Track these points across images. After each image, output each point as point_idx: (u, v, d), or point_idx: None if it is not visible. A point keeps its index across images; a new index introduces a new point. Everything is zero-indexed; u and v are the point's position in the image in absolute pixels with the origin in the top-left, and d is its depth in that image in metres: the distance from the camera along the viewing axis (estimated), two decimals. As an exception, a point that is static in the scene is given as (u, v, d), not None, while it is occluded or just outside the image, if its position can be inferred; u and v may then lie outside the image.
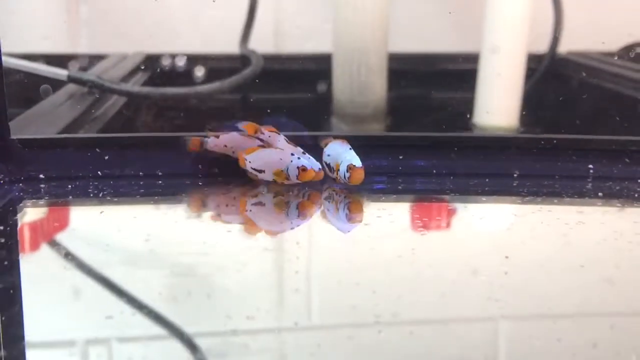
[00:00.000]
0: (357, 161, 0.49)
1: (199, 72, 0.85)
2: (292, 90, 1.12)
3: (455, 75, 1.05)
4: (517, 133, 0.92)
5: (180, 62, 0.82)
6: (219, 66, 1.08)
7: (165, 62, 0.82)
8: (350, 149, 0.51)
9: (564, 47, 1.02)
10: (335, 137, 0.53)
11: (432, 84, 1.09)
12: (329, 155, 0.52)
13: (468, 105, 0.94)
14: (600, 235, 0.45)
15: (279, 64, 1.13)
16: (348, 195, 0.50)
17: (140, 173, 0.53)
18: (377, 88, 1.00)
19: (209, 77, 0.96)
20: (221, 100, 1.01)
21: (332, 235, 0.45)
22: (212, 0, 1.07)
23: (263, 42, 1.18)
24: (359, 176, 0.49)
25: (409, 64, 1.11)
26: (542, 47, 1.01)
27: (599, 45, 1.06)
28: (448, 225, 0.48)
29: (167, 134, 0.58)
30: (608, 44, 1.05)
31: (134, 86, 0.93)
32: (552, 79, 1.00)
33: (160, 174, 0.53)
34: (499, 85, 0.91)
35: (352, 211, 0.49)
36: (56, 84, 0.85)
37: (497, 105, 0.92)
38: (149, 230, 0.44)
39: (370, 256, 0.42)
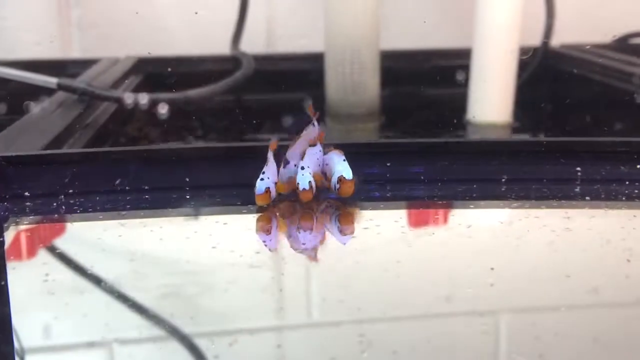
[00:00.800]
0: (347, 173, 0.49)
1: (162, 109, 0.84)
2: (284, 91, 1.11)
3: (449, 71, 1.05)
4: (510, 128, 0.91)
5: (143, 100, 0.81)
6: (211, 68, 1.08)
7: (129, 101, 0.81)
8: (344, 160, 0.50)
9: (556, 40, 1.02)
10: (335, 147, 0.52)
11: (426, 81, 1.08)
12: (327, 165, 0.51)
13: (462, 102, 0.94)
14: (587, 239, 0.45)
15: (271, 65, 1.13)
16: (339, 207, 0.50)
17: (127, 188, 0.53)
18: (370, 86, 0.99)
19: (202, 79, 0.95)
20: (213, 103, 1.01)
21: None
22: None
23: (255, 42, 1.18)
24: (348, 189, 0.49)
25: (402, 62, 1.10)
26: (535, 40, 1.00)
27: (593, 37, 1.05)
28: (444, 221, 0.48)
29: (153, 146, 0.57)
30: (602, 36, 1.04)
31: (125, 92, 0.93)
32: (546, 72, 0.99)
33: (146, 187, 0.53)
34: (492, 82, 0.91)
35: (343, 223, 0.48)
36: (46, 92, 0.85)
37: (490, 101, 0.92)
38: (134, 249, 0.44)
39: (364, 260, 0.42)
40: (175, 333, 0.34)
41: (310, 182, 0.48)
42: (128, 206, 0.50)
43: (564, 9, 1.00)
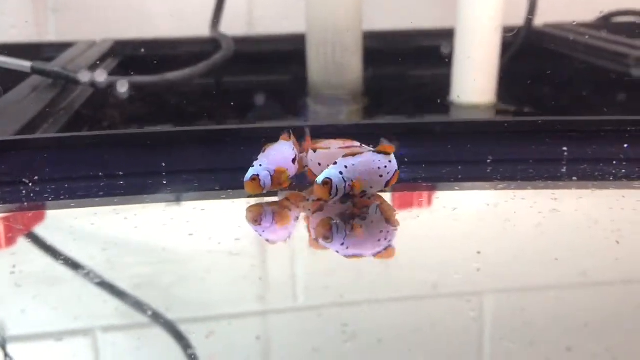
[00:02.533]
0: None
1: (122, 88, 0.81)
2: (266, 73, 1.10)
3: (431, 52, 1.03)
4: (494, 109, 0.90)
5: (100, 78, 0.79)
6: (190, 51, 1.06)
7: (84, 79, 0.78)
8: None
9: (540, 20, 1.01)
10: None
11: (409, 62, 1.07)
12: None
13: (445, 83, 0.93)
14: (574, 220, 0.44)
15: (252, 46, 1.11)
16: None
17: (100, 173, 0.51)
18: (352, 68, 0.97)
19: (181, 62, 0.93)
20: (193, 86, 0.99)
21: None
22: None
23: (236, 24, 1.16)
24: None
25: (385, 43, 1.09)
26: (518, 20, 0.99)
27: (576, 16, 1.04)
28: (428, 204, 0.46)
29: (127, 130, 0.55)
30: (586, 15, 1.03)
31: (101, 75, 0.90)
32: (529, 52, 0.98)
33: (121, 173, 0.51)
34: (475, 62, 0.89)
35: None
36: (20, 75, 0.82)
37: (474, 81, 0.90)
38: (107, 238, 0.42)
39: None
40: (156, 320, 0.33)
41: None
42: (101, 193, 0.49)
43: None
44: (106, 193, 0.49)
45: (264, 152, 0.47)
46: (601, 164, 0.51)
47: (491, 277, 0.38)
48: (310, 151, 0.47)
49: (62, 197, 0.48)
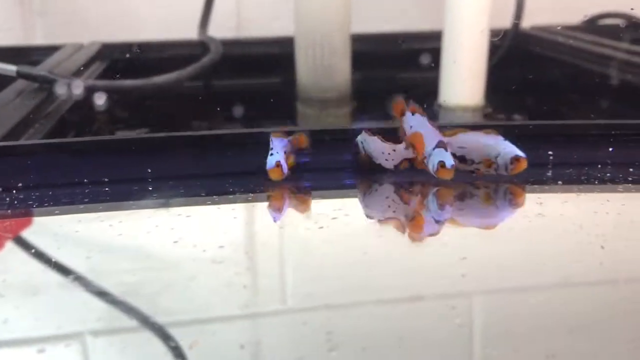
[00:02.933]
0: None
1: (99, 100, 0.81)
2: (255, 76, 1.09)
3: (421, 54, 1.03)
4: (483, 112, 0.91)
5: (77, 90, 0.78)
6: (179, 54, 1.06)
7: (61, 91, 0.78)
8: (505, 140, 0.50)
9: (527, 22, 1.01)
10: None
11: (398, 65, 1.07)
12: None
13: (433, 85, 0.93)
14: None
15: (241, 49, 1.10)
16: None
17: (85, 180, 0.51)
18: (341, 70, 0.97)
19: (169, 65, 0.92)
20: (181, 89, 0.98)
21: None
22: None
23: (225, 26, 1.15)
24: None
25: (374, 45, 1.09)
26: (506, 22, 0.99)
27: (563, 18, 1.04)
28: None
29: (112, 136, 0.55)
30: (573, 17, 1.04)
31: (88, 80, 0.90)
32: (517, 54, 0.98)
33: (106, 180, 0.51)
34: (462, 64, 0.89)
35: None
36: (7, 80, 0.82)
37: (461, 84, 0.91)
38: (91, 245, 0.42)
39: (333, 252, 0.41)
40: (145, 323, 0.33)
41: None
42: (86, 200, 0.48)
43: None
44: (91, 200, 0.48)
45: (271, 141, 0.50)
46: (586, 168, 0.52)
47: (476, 283, 0.38)
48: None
49: (46, 204, 0.48)
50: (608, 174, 0.52)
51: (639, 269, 0.40)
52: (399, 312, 0.35)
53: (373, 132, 0.52)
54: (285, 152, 0.50)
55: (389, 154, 0.51)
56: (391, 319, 0.34)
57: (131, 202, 0.49)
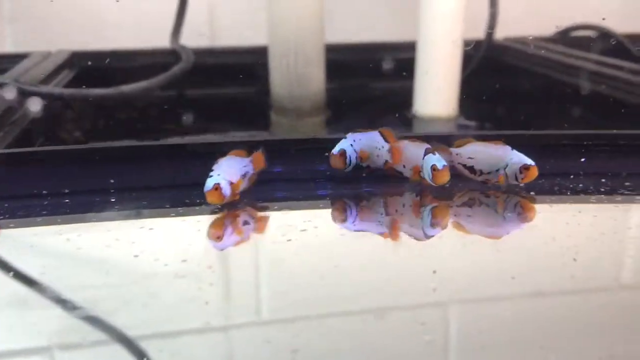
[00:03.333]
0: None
1: (34, 106, 0.79)
2: (229, 85, 1.08)
3: (395, 64, 1.03)
4: (456, 122, 0.90)
5: (10, 95, 0.76)
6: (150, 62, 1.04)
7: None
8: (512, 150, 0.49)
9: (501, 33, 1.01)
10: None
11: (372, 74, 1.06)
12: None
13: (408, 95, 0.93)
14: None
15: (214, 58, 1.09)
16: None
17: (44, 191, 0.49)
18: (315, 80, 0.96)
19: (140, 74, 0.90)
20: (153, 98, 0.97)
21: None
22: None
23: (198, 35, 1.14)
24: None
25: (348, 55, 1.08)
26: (479, 33, 0.99)
27: (538, 30, 1.05)
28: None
29: (75, 146, 0.53)
30: (545, 28, 1.04)
31: (55, 88, 0.88)
32: (490, 65, 0.99)
33: (67, 191, 0.49)
34: (436, 74, 0.89)
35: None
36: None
37: (435, 94, 0.90)
38: (47, 261, 0.40)
39: (299, 264, 0.40)
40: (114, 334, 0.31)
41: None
42: (44, 212, 0.46)
43: (509, 1, 0.99)
44: (49, 212, 0.46)
45: (217, 163, 0.47)
46: (558, 179, 0.51)
47: (448, 297, 0.37)
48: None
49: (0, 217, 0.46)
50: (580, 185, 0.51)
51: (609, 282, 0.39)
52: (366, 324, 0.34)
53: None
54: (242, 174, 0.47)
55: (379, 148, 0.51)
56: (357, 332, 0.33)
57: (92, 214, 0.47)
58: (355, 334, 0.33)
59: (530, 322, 0.35)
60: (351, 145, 0.51)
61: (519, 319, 0.35)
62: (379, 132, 0.52)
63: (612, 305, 0.37)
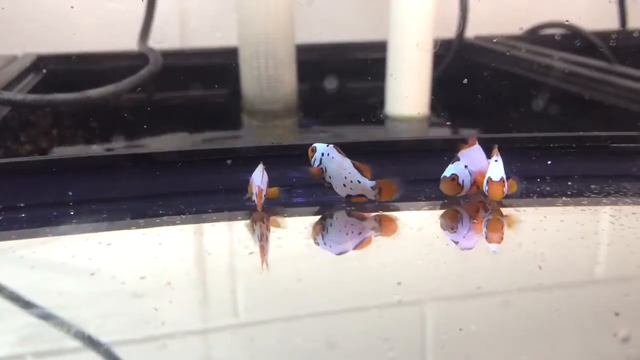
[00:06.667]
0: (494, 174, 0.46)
1: None
2: (199, 87, 1.06)
3: (366, 64, 1.02)
4: (428, 122, 0.90)
5: None
6: (118, 65, 1.02)
7: None
8: (497, 160, 0.47)
9: (471, 32, 1.01)
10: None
11: (344, 75, 1.06)
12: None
13: (380, 95, 0.92)
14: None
15: (184, 60, 1.07)
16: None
17: (-1, 206, 0.47)
18: (286, 81, 0.95)
19: (107, 77, 0.89)
20: (123, 101, 0.95)
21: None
22: None
23: (168, 37, 1.12)
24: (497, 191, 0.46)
25: (319, 55, 1.07)
26: (449, 32, 0.99)
27: (508, 29, 1.05)
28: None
29: (31, 157, 0.52)
30: (516, 26, 1.04)
31: (18, 94, 0.85)
32: (461, 65, 0.98)
33: (22, 205, 0.47)
34: (404, 80, 0.89)
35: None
36: None
37: (407, 94, 0.90)
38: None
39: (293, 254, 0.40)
40: None
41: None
42: (-2, 228, 0.45)
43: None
44: (3, 227, 0.45)
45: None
46: (525, 182, 0.51)
47: (411, 309, 0.36)
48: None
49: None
50: (547, 188, 0.51)
51: (577, 289, 0.39)
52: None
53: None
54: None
55: (351, 181, 0.48)
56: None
57: (47, 229, 0.45)
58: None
59: (496, 333, 0.34)
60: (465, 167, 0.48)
61: (485, 330, 0.35)
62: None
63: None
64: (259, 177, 0.46)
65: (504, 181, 0.46)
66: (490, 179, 0.46)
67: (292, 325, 0.34)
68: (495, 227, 0.46)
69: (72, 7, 0.96)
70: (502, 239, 0.44)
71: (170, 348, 0.32)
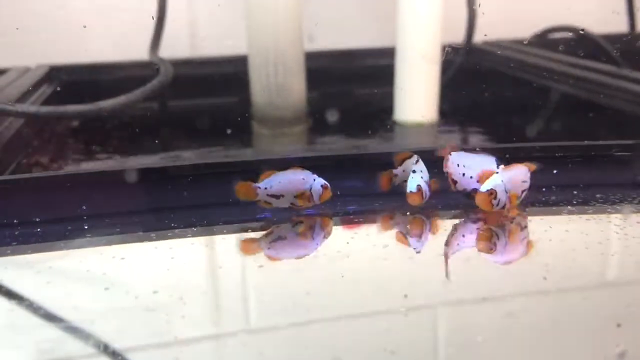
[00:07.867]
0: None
1: None
2: (210, 95, 1.08)
3: (375, 71, 1.03)
4: (436, 129, 0.91)
5: None
6: (130, 75, 1.03)
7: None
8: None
9: (479, 37, 1.01)
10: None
11: (353, 81, 1.06)
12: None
13: (389, 102, 0.93)
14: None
15: (195, 69, 1.09)
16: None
17: (15, 220, 0.48)
18: (296, 88, 0.96)
19: (120, 87, 0.90)
20: (135, 110, 0.96)
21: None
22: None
23: (178, 46, 1.14)
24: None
25: (328, 62, 1.08)
26: (458, 38, 0.99)
27: (516, 33, 1.05)
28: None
29: (44, 173, 0.53)
30: (524, 31, 1.05)
31: (32, 106, 0.87)
32: (469, 70, 0.99)
33: (37, 220, 0.48)
34: (416, 83, 0.89)
35: None
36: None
37: (415, 101, 0.91)
38: (14, 296, 0.40)
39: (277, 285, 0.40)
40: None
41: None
42: (14, 242, 0.46)
43: (488, 5, 0.99)
44: (20, 242, 0.46)
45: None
46: (530, 191, 0.51)
47: (415, 319, 0.37)
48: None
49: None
50: (553, 197, 0.51)
51: (580, 300, 0.40)
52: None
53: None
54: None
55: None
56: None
57: (62, 243, 0.46)
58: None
59: (502, 343, 0.35)
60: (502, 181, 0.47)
61: (490, 340, 0.35)
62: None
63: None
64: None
65: (421, 191, 0.48)
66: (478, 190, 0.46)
67: (302, 336, 0.35)
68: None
69: (84, 27, 0.97)
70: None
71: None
